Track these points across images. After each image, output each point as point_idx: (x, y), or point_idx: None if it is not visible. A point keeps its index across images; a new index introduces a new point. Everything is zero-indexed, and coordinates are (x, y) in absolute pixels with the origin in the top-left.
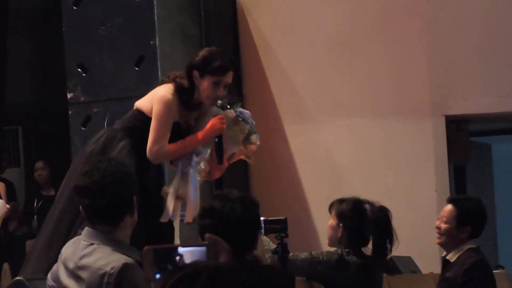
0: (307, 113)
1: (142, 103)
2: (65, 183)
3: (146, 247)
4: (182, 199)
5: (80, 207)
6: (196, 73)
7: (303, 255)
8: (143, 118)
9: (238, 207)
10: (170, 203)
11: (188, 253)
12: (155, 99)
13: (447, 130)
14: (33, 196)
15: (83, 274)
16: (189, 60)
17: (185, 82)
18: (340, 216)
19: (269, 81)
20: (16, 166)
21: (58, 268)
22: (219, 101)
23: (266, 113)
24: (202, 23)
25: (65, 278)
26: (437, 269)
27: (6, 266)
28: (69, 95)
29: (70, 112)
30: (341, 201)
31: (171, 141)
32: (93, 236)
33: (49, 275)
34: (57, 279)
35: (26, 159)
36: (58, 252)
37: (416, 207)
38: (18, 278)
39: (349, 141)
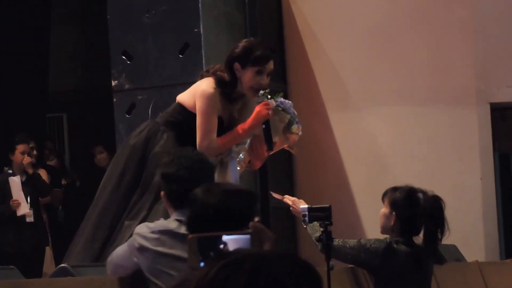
0: (351, 101)
1: (183, 98)
2: (108, 175)
3: (190, 235)
4: None
5: (163, 194)
6: (237, 65)
7: (352, 242)
8: (185, 113)
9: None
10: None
11: (232, 241)
12: (197, 95)
13: (492, 118)
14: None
15: None
16: (228, 53)
17: (226, 75)
18: (393, 205)
19: (314, 69)
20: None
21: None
22: (260, 92)
23: (310, 101)
24: (247, 11)
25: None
26: (482, 257)
27: (48, 250)
28: (113, 83)
29: (114, 100)
30: (394, 189)
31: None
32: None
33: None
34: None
35: (70, 146)
36: (103, 243)
37: (461, 195)
38: (62, 265)
39: (393, 129)
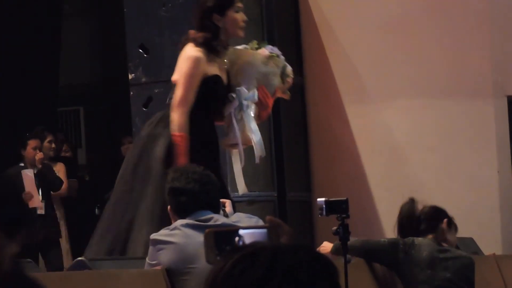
0: (368, 93)
1: (175, 76)
2: (123, 166)
3: (207, 230)
4: (245, 145)
5: (169, 208)
6: (216, 16)
7: (381, 240)
8: None
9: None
10: (236, 152)
11: (249, 236)
12: (182, 60)
13: (509, 110)
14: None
15: None
16: (199, 10)
17: (205, 34)
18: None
19: (330, 62)
20: (77, 147)
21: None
22: (248, 45)
23: (327, 93)
24: (263, 3)
25: None
26: (499, 250)
27: (64, 243)
28: (130, 76)
29: (131, 93)
30: None
31: (218, 97)
32: None
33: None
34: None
35: (87, 139)
36: (115, 235)
37: (478, 188)
38: (79, 258)
39: (409, 122)
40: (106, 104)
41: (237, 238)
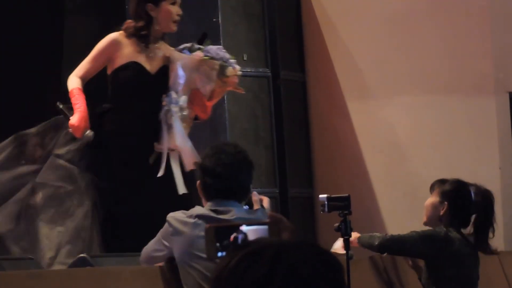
0: (369, 90)
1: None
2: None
3: (207, 225)
4: (176, 151)
5: (198, 183)
6: (150, 6)
7: (407, 234)
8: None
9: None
10: (164, 157)
11: (250, 232)
12: None
13: (511, 107)
14: None
15: None
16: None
17: (138, 23)
18: (445, 195)
19: (332, 58)
20: None
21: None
22: (187, 44)
23: (328, 90)
24: (265, 0)
25: None
26: (500, 246)
27: None
28: None
29: None
30: (443, 181)
31: (143, 80)
32: None
33: None
34: None
35: None
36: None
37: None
38: (81, 255)
39: (411, 118)
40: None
41: (234, 234)
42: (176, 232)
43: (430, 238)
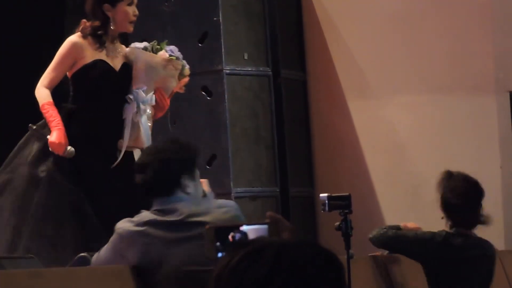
0: (370, 89)
1: None
2: None
3: (207, 225)
4: (137, 148)
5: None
6: (107, 6)
7: (408, 233)
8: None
9: None
10: (122, 153)
11: (249, 231)
12: None
13: (511, 106)
14: None
15: None
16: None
17: (93, 24)
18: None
19: (333, 57)
20: None
21: None
22: (148, 44)
23: (329, 89)
24: None
25: None
26: (501, 246)
27: None
28: None
29: None
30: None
31: (109, 78)
32: None
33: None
34: None
35: None
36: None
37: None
38: (82, 254)
39: (412, 117)
40: None
41: (232, 234)
42: (128, 242)
43: (424, 242)
